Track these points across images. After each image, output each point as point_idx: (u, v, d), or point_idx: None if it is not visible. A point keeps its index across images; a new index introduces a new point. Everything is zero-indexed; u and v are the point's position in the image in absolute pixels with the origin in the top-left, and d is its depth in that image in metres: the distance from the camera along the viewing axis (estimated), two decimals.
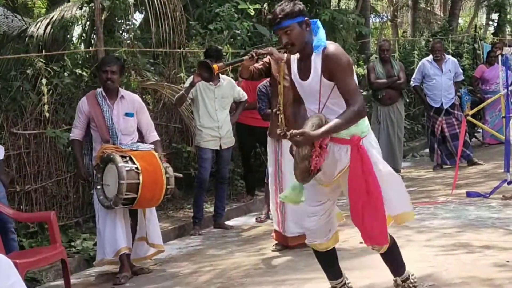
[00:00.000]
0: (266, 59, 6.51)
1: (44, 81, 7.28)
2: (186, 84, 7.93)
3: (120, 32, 8.96)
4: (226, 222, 8.55)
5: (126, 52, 8.63)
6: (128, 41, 9.11)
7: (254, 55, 6.11)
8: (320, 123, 4.26)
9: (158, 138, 6.85)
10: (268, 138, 6.85)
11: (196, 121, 8.21)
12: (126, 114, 6.52)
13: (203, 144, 8.13)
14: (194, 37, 10.35)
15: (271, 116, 6.77)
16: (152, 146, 6.56)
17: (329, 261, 4.80)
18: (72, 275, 6.73)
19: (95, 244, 7.36)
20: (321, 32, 4.40)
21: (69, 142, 7.87)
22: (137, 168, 6.13)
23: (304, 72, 4.44)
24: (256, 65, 6.48)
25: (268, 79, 6.94)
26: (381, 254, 4.66)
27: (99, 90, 6.61)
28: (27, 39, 8.81)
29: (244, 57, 5.95)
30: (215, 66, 5.31)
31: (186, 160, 9.60)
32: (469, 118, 9.30)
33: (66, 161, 8.14)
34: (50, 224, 5.45)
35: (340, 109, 4.31)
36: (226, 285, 5.76)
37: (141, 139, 6.70)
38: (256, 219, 8.63)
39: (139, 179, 6.11)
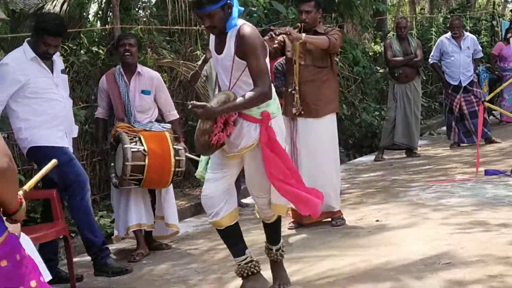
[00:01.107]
0: (281, 37, 6.49)
1: (60, 58, 7.26)
2: (200, 61, 7.92)
3: (136, 9, 8.96)
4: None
5: (142, 30, 8.62)
6: (144, 19, 9.09)
7: (274, 35, 6.15)
8: (226, 100, 4.35)
9: (177, 117, 6.84)
10: (283, 116, 6.83)
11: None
12: (143, 92, 6.49)
13: None
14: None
15: (285, 94, 6.76)
16: (168, 126, 6.54)
17: (232, 238, 4.91)
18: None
19: (112, 222, 7.42)
20: (235, 12, 4.47)
21: (86, 120, 7.94)
22: (144, 150, 6.12)
23: (219, 46, 4.55)
24: (272, 44, 6.46)
25: (284, 57, 6.91)
26: (270, 223, 4.96)
27: (118, 67, 6.61)
28: None
29: (265, 38, 5.97)
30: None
31: None
32: (486, 104, 9.25)
33: (83, 139, 8.17)
34: (52, 201, 5.52)
35: (249, 88, 4.40)
36: None
37: (162, 117, 6.70)
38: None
39: (144, 161, 6.10)
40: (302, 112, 6.53)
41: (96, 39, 8.77)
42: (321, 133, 6.61)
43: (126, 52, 6.45)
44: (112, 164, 6.33)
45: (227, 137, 4.46)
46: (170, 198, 6.58)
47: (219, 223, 4.76)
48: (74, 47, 8.04)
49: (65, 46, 7.76)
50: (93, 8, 9.81)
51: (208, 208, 4.75)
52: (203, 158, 4.88)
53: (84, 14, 9.34)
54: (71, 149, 5.82)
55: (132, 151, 6.07)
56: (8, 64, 5.55)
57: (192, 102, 4.34)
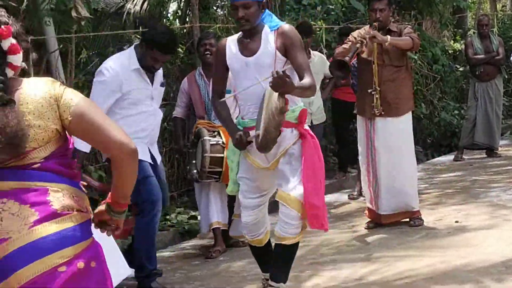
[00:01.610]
0: (352, 38, 6.45)
1: None
2: None
3: (215, 8, 9.01)
4: None
5: (220, 28, 8.68)
6: (223, 17, 9.15)
7: (364, 40, 6.16)
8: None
9: None
10: (358, 117, 6.79)
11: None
12: None
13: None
14: (287, 13, 10.31)
15: (360, 95, 6.71)
16: None
17: (265, 254, 4.82)
18: (166, 248, 6.91)
19: (189, 218, 7.51)
20: (275, 18, 4.56)
21: (165, 118, 8.04)
22: (223, 142, 6.16)
23: (249, 49, 4.49)
24: (344, 45, 6.44)
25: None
26: (285, 246, 4.53)
27: (198, 68, 6.70)
28: (124, 15, 8.98)
29: (357, 45, 6.05)
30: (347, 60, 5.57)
31: None
32: None
33: (162, 136, 8.28)
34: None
35: None
36: (318, 261, 5.76)
37: None
38: (349, 196, 8.58)
39: (223, 153, 6.14)
40: (383, 113, 6.47)
41: None
42: (401, 132, 6.55)
43: (206, 51, 6.51)
44: (194, 161, 6.39)
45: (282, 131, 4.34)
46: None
47: (261, 242, 4.77)
48: None
49: None
50: (172, 7, 9.93)
51: (251, 232, 4.72)
52: (232, 174, 4.75)
53: (164, 13, 9.48)
54: (158, 157, 5.60)
55: (211, 144, 6.13)
56: (111, 72, 5.26)
57: (282, 70, 4.16)
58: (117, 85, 5.24)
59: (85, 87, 7.32)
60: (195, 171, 6.37)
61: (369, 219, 6.76)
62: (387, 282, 5.01)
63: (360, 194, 8.25)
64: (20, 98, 2.51)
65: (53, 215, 2.48)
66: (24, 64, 2.66)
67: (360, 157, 6.85)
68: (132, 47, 5.48)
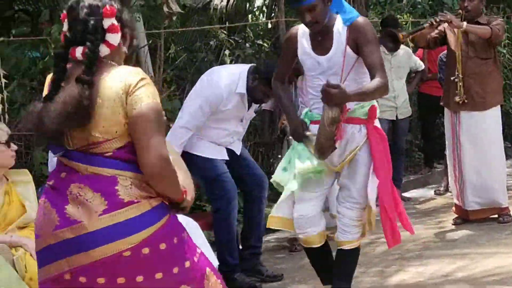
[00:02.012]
0: (441, 27, 6.33)
1: (227, 52, 7.48)
2: None
3: None
4: (403, 194, 8.43)
5: None
6: None
7: (434, 22, 5.97)
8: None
9: None
10: (445, 110, 6.69)
11: None
12: None
13: (379, 115, 7.99)
14: (373, 7, 10.23)
15: (446, 86, 6.61)
16: None
17: (322, 259, 4.51)
18: None
19: None
20: (347, 5, 4.19)
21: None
22: None
23: (323, 47, 4.18)
24: (432, 33, 6.33)
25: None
26: (346, 250, 4.36)
27: None
28: (210, 11, 9.09)
29: (425, 25, 5.85)
30: (400, 35, 5.23)
31: None
32: None
33: (246, 131, 8.33)
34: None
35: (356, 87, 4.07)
36: (405, 257, 5.71)
37: None
38: (435, 191, 8.46)
39: None
40: (466, 101, 6.35)
41: (261, 33, 8.93)
42: (487, 126, 6.42)
43: None
44: (280, 156, 6.44)
45: (343, 137, 4.14)
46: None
47: (308, 241, 4.47)
48: (240, 41, 8.24)
49: (231, 40, 7.96)
50: (258, 2, 9.99)
51: (302, 228, 4.42)
52: (283, 163, 4.46)
53: (250, 7, 9.54)
54: (237, 149, 5.55)
55: None
56: (220, 91, 5.20)
57: (326, 82, 3.95)
58: (216, 103, 5.21)
59: (173, 82, 7.47)
60: None
61: (456, 215, 6.66)
62: (475, 279, 4.94)
63: (447, 189, 8.12)
64: (100, 88, 2.63)
65: (120, 205, 2.61)
66: (125, 49, 2.79)
67: (447, 151, 6.76)
68: (246, 70, 5.36)
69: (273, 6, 8.95)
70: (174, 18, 6.85)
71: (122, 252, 2.60)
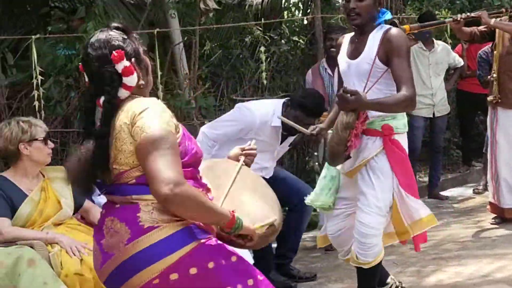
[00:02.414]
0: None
1: (262, 48, 7.44)
2: None
3: None
4: (441, 192, 8.34)
5: (342, 19, 8.61)
6: None
7: (458, 18, 5.92)
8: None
9: None
10: (489, 106, 6.61)
11: None
12: None
13: (415, 112, 7.92)
14: (410, 2, 10.12)
15: (490, 83, 6.52)
16: None
17: (372, 269, 4.31)
18: None
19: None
20: (388, 14, 4.18)
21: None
22: None
23: (355, 50, 4.18)
24: (480, 27, 6.23)
25: (490, 44, 6.64)
26: (366, 270, 4.26)
27: (323, 60, 6.68)
28: (246, 7, 9.06)
29: (446, 20, 5.81)
30: (406, 26, 5.16)
31: None
32: None
33: None
34: None
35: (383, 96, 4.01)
36: (442, 257, 5.63)
37: None
38: (474, 190, 8.34)
39: None
40: (499, 100, 6.27)
41: (297, 29, 8.88)
42: None
43: (331, 47, 6.44)
44: (316, 153, 6.39)
45: (358, 145, 4.10)
46: None
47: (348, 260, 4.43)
48: (275, 37, 8.20)
49: (266, 36, 7.91)
50: None
51: (338, 246, 4.48)
52: (323, 185, 4.43)
53: (286, 4, 9.50)
54: (268, 173, 5.38)
55: None
56: (254, 118, 5.13)
57: (344, 87, 3.95)
58: (246, 130, 5.12)
59: (208, 79, 7.45)
60: (316, 163, 6.37)
61: (494, 215, 6.56)
62: None
63: (486, 188, 7.98)
64: (116, 123, 2.64)
65: (141, 232, 2.58)
66: (144, 80, 2.76)
67: (487, 149, 6.68)
68: (281, 102, 5.32)
69: (309, 2, 8.89)
70: (211, 14, 6.83)
71: (152, 280, 2.56)
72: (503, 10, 6.28)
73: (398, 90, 4.02)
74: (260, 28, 7.90)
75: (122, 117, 2.63)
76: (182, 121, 6.69)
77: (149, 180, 2.54)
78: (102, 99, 2.67)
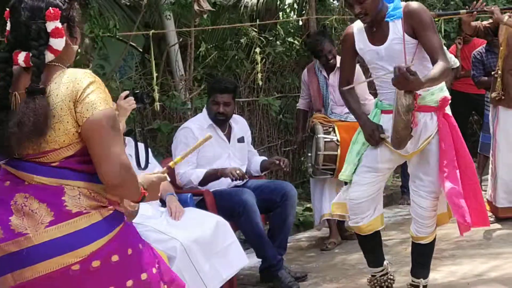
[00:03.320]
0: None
1: (257, 50, 7.47)
2: None
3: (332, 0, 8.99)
4: None
5: (336, 20, 8.65)
6: (339, 9, 9.11)
7: (473, 11, 5.95)
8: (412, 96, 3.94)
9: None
10: (491, 105, 6.63)
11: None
12: None
13: None
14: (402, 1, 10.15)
15: (493, 80, 6.53)
16: None
17: (372, 246, 4.54)
18: None
19: (304, 210, 7.54)
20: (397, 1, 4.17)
21: (281, 110, 8.11)
22: (337, 140, 6.13)
23: (379, 38, 4.19)
24: (484, 22, 6.26)
25: (484, 45, 6.68)
26: (423, 244, 4.43)
27: (317, 61, 6.67)
28: (241, 9, 9.09)
29: (461, 11, 5.82)
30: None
31: None
32: None
33: (277, 128, 8.34)
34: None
35: (421, 73, 3.96)
36: (436, 256, 5.61)
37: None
38: None
39: (337, 151, 6.11)
40: (503, 98, 6.28)
41: (292, 30, 8.91)
42: None
43: (330, 59, 6.44)
44: (309, 154, 6.42)
45: (416, 128, 4.11)
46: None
47: (360, 229, 4.48)
48: (270, 38, 8.23)
49: (262, 38, 7.94)
50: None
51: (354, 213, 4.44)
52: (350, 160, 4.47)
53: (281, 5, 9.53)
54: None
55: (325, 141, 6.12)
56: (188, 131, 5.46)
57: (400, 66, 3.81)
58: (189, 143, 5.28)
59: (204, 80, 7.47)
60: (309, 164, 6.40)
61: (489, 213, 6.59)
62: (508, 279, 4.86)
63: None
64: (47, 92, 2.51)
65: (67, 216, 2.49)
66: (75, 48, 2.66)
67: (491, 145, 6.69)
68: (204, 109, 5.66)
69: (304, 4, 8.93)
70: (205, 16, 6.85)
71: (70, 266, 2.46)
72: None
73: (433, 60, 4.04)
74: (255, 29, 7.92)
75: (58, 91, 2.49)
76: (178, 122, 6.72)
77: (102, 161, 2.47)
78: (21, 55, 2.53)
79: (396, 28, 4.14)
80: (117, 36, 6.12)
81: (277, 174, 8.28)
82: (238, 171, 5.30)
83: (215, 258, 4.62)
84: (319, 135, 6.13)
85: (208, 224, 4.71)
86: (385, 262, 4.67)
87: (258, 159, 5.82)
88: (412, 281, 4.57)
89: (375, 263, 4.62)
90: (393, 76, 3.81)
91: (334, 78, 6.51)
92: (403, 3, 4.18)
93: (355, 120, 6.29)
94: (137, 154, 4.97)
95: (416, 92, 3.96)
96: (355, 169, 4.41)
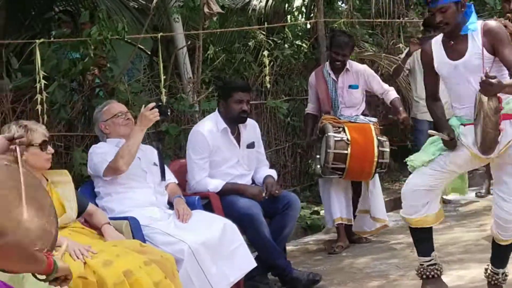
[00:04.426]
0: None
1: (265, 53, 7.46)
2: (403, 55, 7.80)
3: (340, 2, 8.98)
4: (444, 196, 8.32)
5: (344, 23, 8.65)
6: (347, 12, 9.12)
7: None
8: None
9: (396, 96, 6.70)
10: None
11: (413, 92, 8.08)
12: (350, 87, 6.53)
13: (420, 116, 7.98)
14: (413, 7, 10.14)
15: None
16: (373, 119, 6.51)
17: (421, 237, 4.66)
18: (289, 242, 6.93)
19: (312, 213, 7.52)
20: (474, 15, 4.37)
21: (288, 112, 8.10)
22: (347, 139, 6.13)
23: (456, 52, 4.36)
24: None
25: None
26: (505, 245, 4.57)
27: (326, 64, 6.67)
28: (249, 12, 9.09)
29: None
30: None
31: (403, 132, 9.46)
32: None
33: (285, 131, 8.34)
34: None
35: None
36: (445, 260, 5.62)
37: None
38: (476, 194, 8.34)
39: (347, 150, 6.11)
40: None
41: (300, 33, 8.91)
42: None
43: (337, 61, 6.46)
44: (318, 156, 6.40)
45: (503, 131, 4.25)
46: (377, 192, 6.55)
47: (410, 222, 4.59)
48: (278, 41, 8.23)
49: (270, 41, 7.94)
50: (297, 2, 9.97)
51: (406, 202, 4.56)
52: (429, 148, 4.59)
53: (289, 8, 9.53)
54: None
55: (335, 140, 6.12)
56: (200, 135, 5.43)
57: (486, 72, 4.05)
58: (208, 151, 5.39)
59: (211, 83, 7.48)
60: (318, 166, 6.38)
61: None
62: None
63: (488, 192, 8.01)
64: None
65: None
66: None
67: None
68: (216, 112, 5.58)
69: (312, 7, 8.93)
70: (215, 18, 6.84)
71: None
72: (509, 16, 6.25)
73: (511, 72, 4.25)
74: (263, 32, 7.92)
75: None
76: (186, 124, 6.73)
77: None
78: None
79: (475, 43, 4.32)
80: (125, 39, 6.12)
81: (285, 177, 8.28)
82: (258, 195, 5.33)
83: (222, 261, 4.61)
84: (329, 133, 6.14)
85: (215, 227, 4.71)
86: (433, 253, 4.73)
87: (263, 172, 5.68)
88: (492, 269, 4.70)
89: (423, 253, 4.72)
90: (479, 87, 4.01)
91: (343, 80, 6.52)
92: (480, 21, 4.38)
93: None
94: (161, 165, 5.04)
95: (499, 96, 4.11)
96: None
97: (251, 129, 5.67)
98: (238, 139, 5.55)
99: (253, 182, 5.66)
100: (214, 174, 5.45)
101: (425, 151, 4.59)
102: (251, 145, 5.63)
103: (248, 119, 5.59)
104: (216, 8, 6.68)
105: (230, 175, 5.50)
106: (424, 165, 4.50)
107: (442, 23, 4.31)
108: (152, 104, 4.67)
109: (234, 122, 5.48)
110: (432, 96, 4.65)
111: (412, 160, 4.60)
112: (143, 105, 4.86)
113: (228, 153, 5.49)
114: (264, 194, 5.39)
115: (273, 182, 5.55)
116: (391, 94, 6.65)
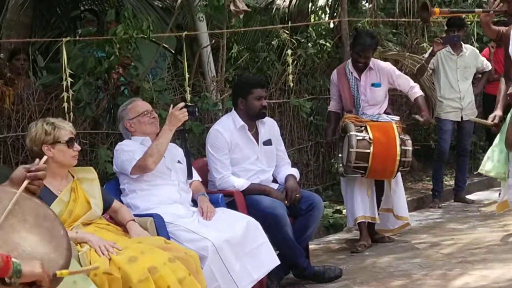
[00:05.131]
0: None
1: (289, 51, 7.47)
2: (427, 54, 7.78)
3: (364, 2, 8.97)
4: (467, 196, 8.32)
5: (368, 22, 8.64)
6: (371, 11, 9.10)
7: (490, 11, 5.87)
8: None
9: (420, 94, 6.64)
10: None
11: (437, 91, 8.06)
12: (373, 85, 6.51)
13: (444, 116, 7.97)
14: (437, 6, 10.10)
15: None
16: (396, 118, 6.49)
17: None
18: (312, 240, 6.95)
19: (334, 212, 7.53)
20: None
21: (312, 111, 8.11)
22: (370, 138, 6.13)
23: None
24: (507, 27, 6.20)
25: None
26: None
27: (349, 61, 6.67)
28: (273, 11, 9.11)
29: (476, 10, 5.73)
30: (436, 9, 5.25)
31: (426, 132, 9.44)
32: None
33: (308, 130, 8.34)
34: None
35: None
36: (468, 260, 5.62)
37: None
38: (500, 194, 8.29)
39: (369, 149, 6.11)
40: None
41: (323, 32, 8.90)
42: None
43: (359, 63, 6.47)
44: (340, 155, 6.41)
45: None
46: (400, 190, 6.54)
47: None
48: (302, 40, 8.23)
49: (293, 40, 7.95)
50: (321, 1, 9.98)
51: None
52: (495, 156, 4.72)
53: (312, 7, 9.53)
54: None
55: (357, 139, 6.12)
56: (218, 131, 5.48)
57: None
58: (227, 147, 5.43)
59: (235, 82, 7.50)
60: (340, 165, 6.39)
61: None
62: None
63: None
64: None
65: None
66: None
67: None
68: (232, 110, 5.62)
69: (336, 6, 8.92)
70: (241, 16, 6.86)
71: None
72: None
73: None
74: (287, 32, 7.94)
75: None
76: (209, 123, 6.76)
77: None
78: None
79: None
80: (150, 38, 6.17)
81: (307, 176, 8.29)
82: (282, 201, 5.35)
83: (246, 258, 4.64)
84: (351, 133, 6.13)
85: (239, 225, 4.73)
86: None
87: (285, 171, 5.68)
88: None
89: None
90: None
91: (366, 79, 6.51)
92: None
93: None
94: (189, 164, 5.09)
95: None
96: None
97: (269, 126, 5.69)
98: (256, 136, 5.58)
99: (274, 179, 5.68)
100: (236, 171, 5.48)
101: (493, 159, 4.70)
102: (267, 142, 5.65)
103: (266, 117, 5.64)
104: (242, 6, 6.70)
105: (252, 171, 5.53)
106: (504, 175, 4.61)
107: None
108: (182, 104, 4.76)
109: (254, 118, 5.52)
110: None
111: (488, 171, 4.83)
112: (171, 105, 4.91)
113: (247, 150, 5.53)
114: (286, 202, 5.41)
115: (293, 188, 5.50)
116: (416, 91, 6.61)
